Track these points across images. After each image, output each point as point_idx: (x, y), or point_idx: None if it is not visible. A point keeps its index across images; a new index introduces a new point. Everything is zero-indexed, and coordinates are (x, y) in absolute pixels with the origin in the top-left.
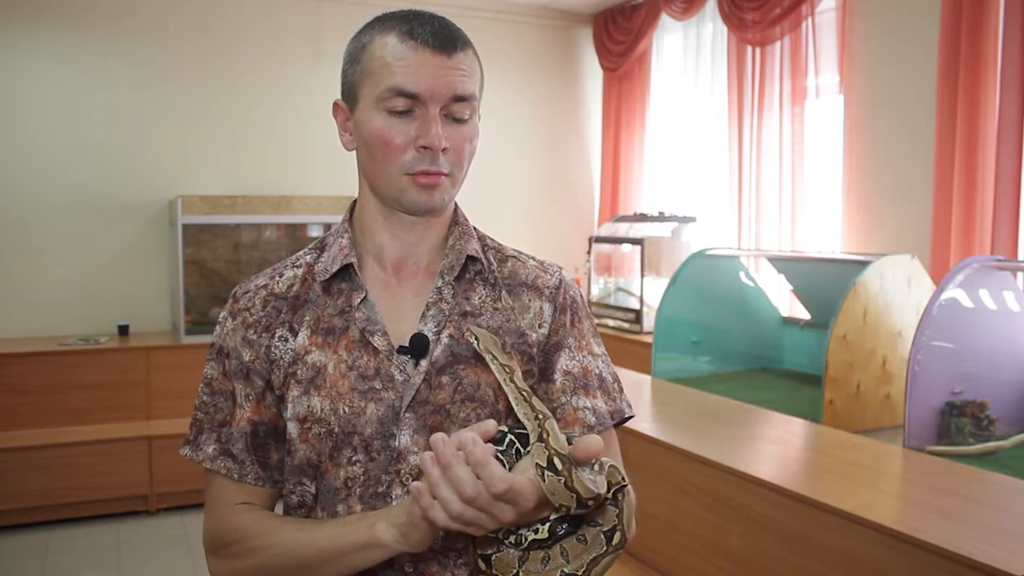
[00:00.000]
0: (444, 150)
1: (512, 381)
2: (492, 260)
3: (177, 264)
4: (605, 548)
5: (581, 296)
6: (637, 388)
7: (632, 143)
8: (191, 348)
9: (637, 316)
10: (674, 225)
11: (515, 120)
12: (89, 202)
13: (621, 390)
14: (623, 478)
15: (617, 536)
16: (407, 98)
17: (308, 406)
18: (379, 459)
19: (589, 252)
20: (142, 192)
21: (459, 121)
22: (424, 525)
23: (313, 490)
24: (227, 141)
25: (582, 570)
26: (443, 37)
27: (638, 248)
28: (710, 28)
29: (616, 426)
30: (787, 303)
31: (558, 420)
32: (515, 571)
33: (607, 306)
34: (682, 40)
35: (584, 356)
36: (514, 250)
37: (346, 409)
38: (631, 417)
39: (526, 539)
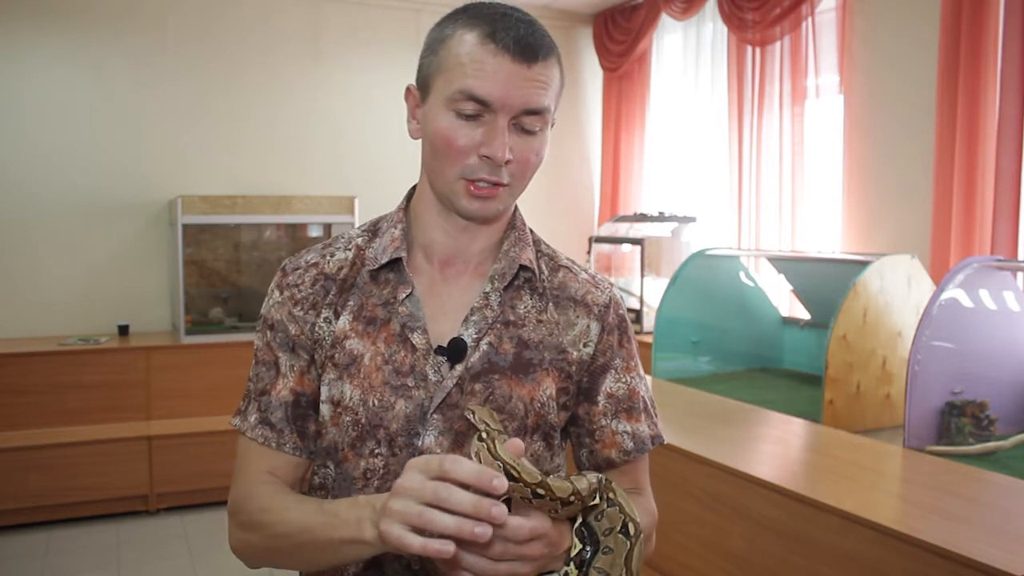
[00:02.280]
0: (508, 162)
1: (498, 454)
2: (544, 268)
3: (177, 264)
4: (629, 544)
5: (627, 314)
6: None
7: (632, 143)
8: (191, 348)
9: (637, 316)
10: (674, 225)
11: None
12: (89, 202)
13: (657, 415)
14: (603, 488)
15: (632, 526)
16: (477, 103)
17: (341, 392)
18: (401, 455)
19: (589, 252)
20: (142, 192)
21: (528, 133)
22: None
23: (334, 474)
24: (227, 141)
25: (623, 571)
26: (525, 45)
27: (638, 248)
28: (710, 28)
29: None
30: (787, 303)
31: (596, 442)
32: None
33: None
34: (682, 40)
35: (632, 378)
36: (568, 259)
37: (376, 402)
38: (664, 442)
39: None
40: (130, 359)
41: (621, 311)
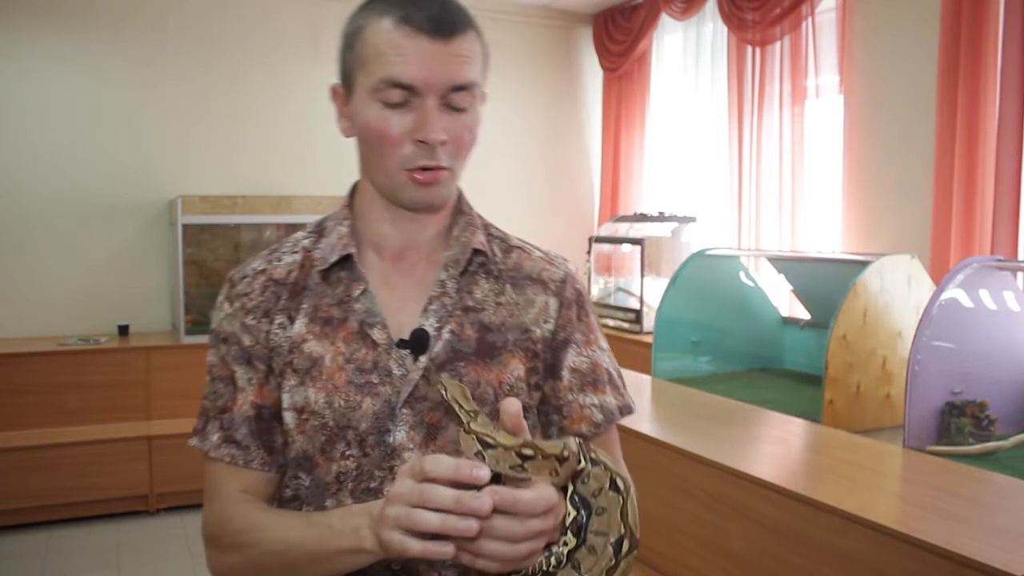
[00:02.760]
0: (443, 143)
1: (471, 428)
2: (497, 251)
3: (177, 264)
4: (621, 499)
5: (586, 289)
6: (637, 388)
7: (632, 143)
8: (191, 348)
9: (637, 316)
10: (674, 225)
11: (515, 120)
12: (89, 202)
13: (624, 384)
14: (594, 459)
15: (620, 481)
16: (403, 89)
17: (304, 397)
18: (373, 455)
19: (589, 252)
20: (142, 192)
21: (459, 110)
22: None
23: (307, 483)
24: (227, 141)
25: (621, 527)
26: (440, 22)
27: (638, 248)
28: (710, 28)
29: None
30: (787, 303)
31: (564, 418)
32: None
33: (607, 306)
34: (682, 40)
35: (593, 351)
36: (519, 240)
37: (341, 403)
38: (635, 411)
39: (564, 554)
40: (130, 359)
41: (578, 285)
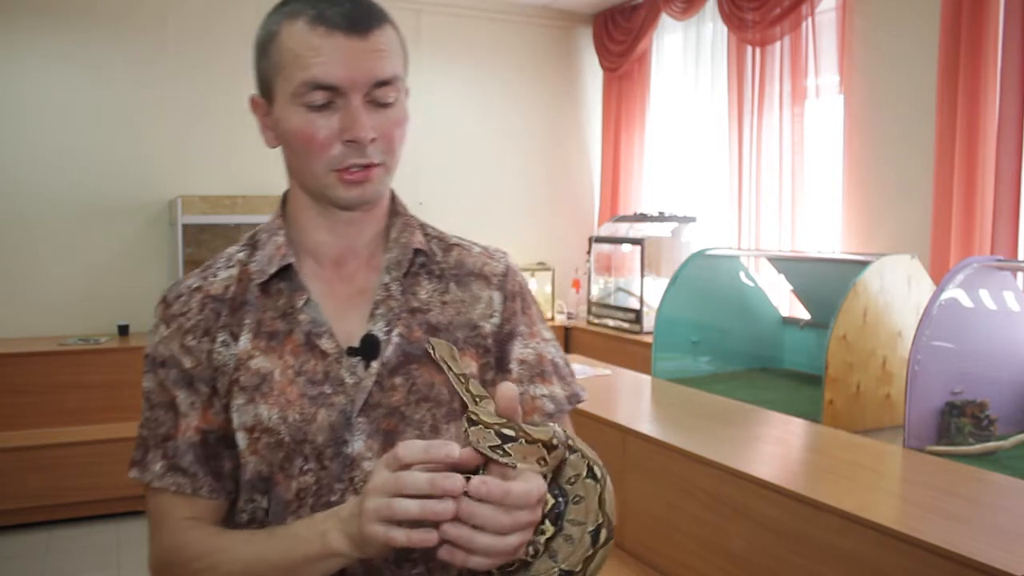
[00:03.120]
0: (372, 140)
1: (468, 390)
2: (437, 250)
3: (177, 264)
4: (599, 487)
5: (526, 281)
6: (637, 388)
7: (632, 143)
8: None
9: (637, 316)
10: (674, 225)
11: (515, 120)
12: (89, 202)
13: (572, 373)
14: (571, 447)
15: (596, 468)
16: (325, 90)
17: (255, 415)
18: (331, 467)
19: (589, 252)
20: (142, 192)
21: (384, 106)
22: (373, 545)
23: (265, 505)
24: (227, 141)
25: (599, 515)
26: (355, 18)
27: (638, 248)
28: (710, 28)
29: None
30: (787, 303)
31: None
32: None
33: (607, 306)
34: (682, 40)
35: (537, 343)
36: (457, 237)
37: (296, 417)
38: (584, 399)
39: (542, 543)
40: (130, 359)
41: (519, 278)
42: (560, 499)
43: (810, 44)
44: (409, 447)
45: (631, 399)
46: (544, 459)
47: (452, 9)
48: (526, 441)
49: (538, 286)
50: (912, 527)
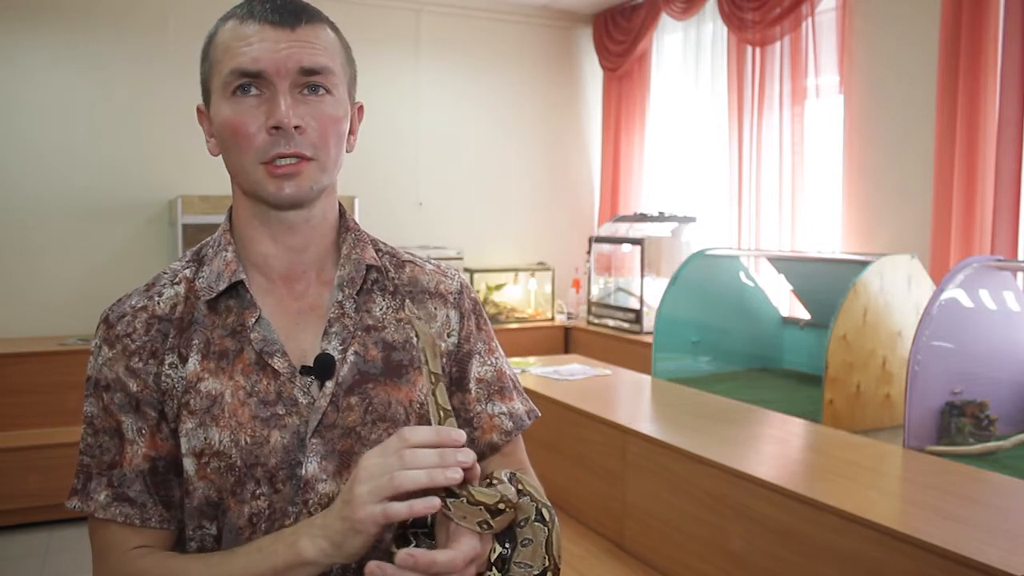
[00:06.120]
0: (299, 128)
1: (434, 395)
2: (389, 266)
3: None
4: (547, 530)
5: (479, 297)
6: (637, 388)
7: (632, 143)
8: None
9: (637, 316)
10: (674, 225)
11: (515, 120)
12: (89, 202)
13: (522, 390)
14: (526, 491)
15: (546, 511)
16: (249, 76)
17: (206, 439)
18: (284, 490)
19: (589, 252)
20: (142, 192)
21: (314, 97)
22: (362, 533)
23: (214, 531)
24: None
25: (545, 559)
26: (284, 12)
27: (638, 248)
28: (710, 28)
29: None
30: (787, 303)
31: (475, 430)
32: None
33: (607, 306)
34: (682, 40)
35: (496, 359)
36: (409, 254)
37: (247, 440)
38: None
39: None
40: None
41: (473, 295)
42: (507, 545)
43: (810, 44)
44: (417, 430)
45: (631, 399)
46: (487, 522)
47: (452, 9)
48: (468, 502)
49: (538, 286)
50: (912, 527)
